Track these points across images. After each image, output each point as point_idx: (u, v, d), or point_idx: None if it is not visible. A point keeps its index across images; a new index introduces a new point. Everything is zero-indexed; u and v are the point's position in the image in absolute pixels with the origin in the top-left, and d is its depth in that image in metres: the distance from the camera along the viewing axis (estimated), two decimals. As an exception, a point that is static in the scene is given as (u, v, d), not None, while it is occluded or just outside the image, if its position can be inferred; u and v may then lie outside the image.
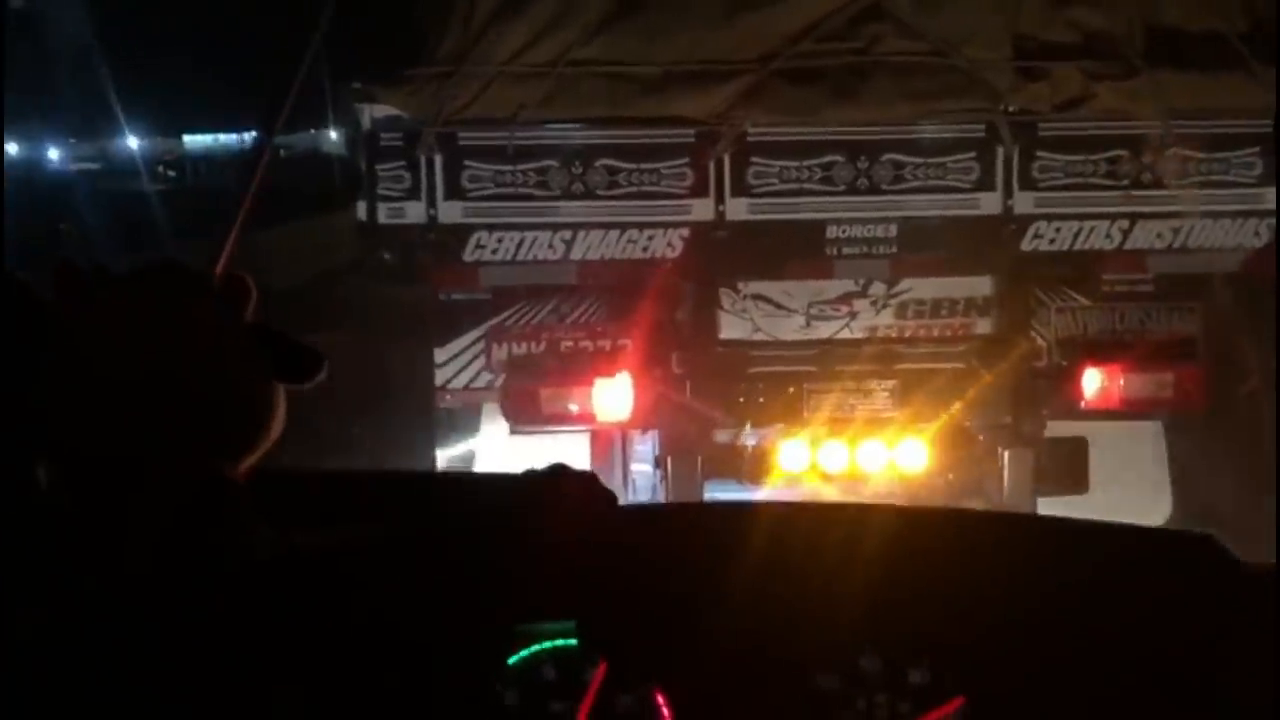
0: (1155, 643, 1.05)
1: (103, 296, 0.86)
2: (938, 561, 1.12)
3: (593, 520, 1.03)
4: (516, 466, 4.08)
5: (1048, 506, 4.28)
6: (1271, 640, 1.04)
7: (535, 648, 1.07)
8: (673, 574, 1.07)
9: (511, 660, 1.06)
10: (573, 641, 1.06)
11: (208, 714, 0.82)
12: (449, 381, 4.29)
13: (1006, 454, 4.04)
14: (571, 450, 4.45)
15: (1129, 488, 4.47)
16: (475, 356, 4.24)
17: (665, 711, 1.06)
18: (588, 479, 1.05)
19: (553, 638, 1.05)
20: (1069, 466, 4.33)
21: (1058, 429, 4.30)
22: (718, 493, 4.39)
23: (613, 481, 4.67)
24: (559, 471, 1.05)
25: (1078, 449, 4.39)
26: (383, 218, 3.88)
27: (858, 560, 1.10)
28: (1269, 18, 3.84)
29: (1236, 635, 1.06)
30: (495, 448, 4.56)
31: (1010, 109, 3.83)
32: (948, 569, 1.10)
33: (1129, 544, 1.19)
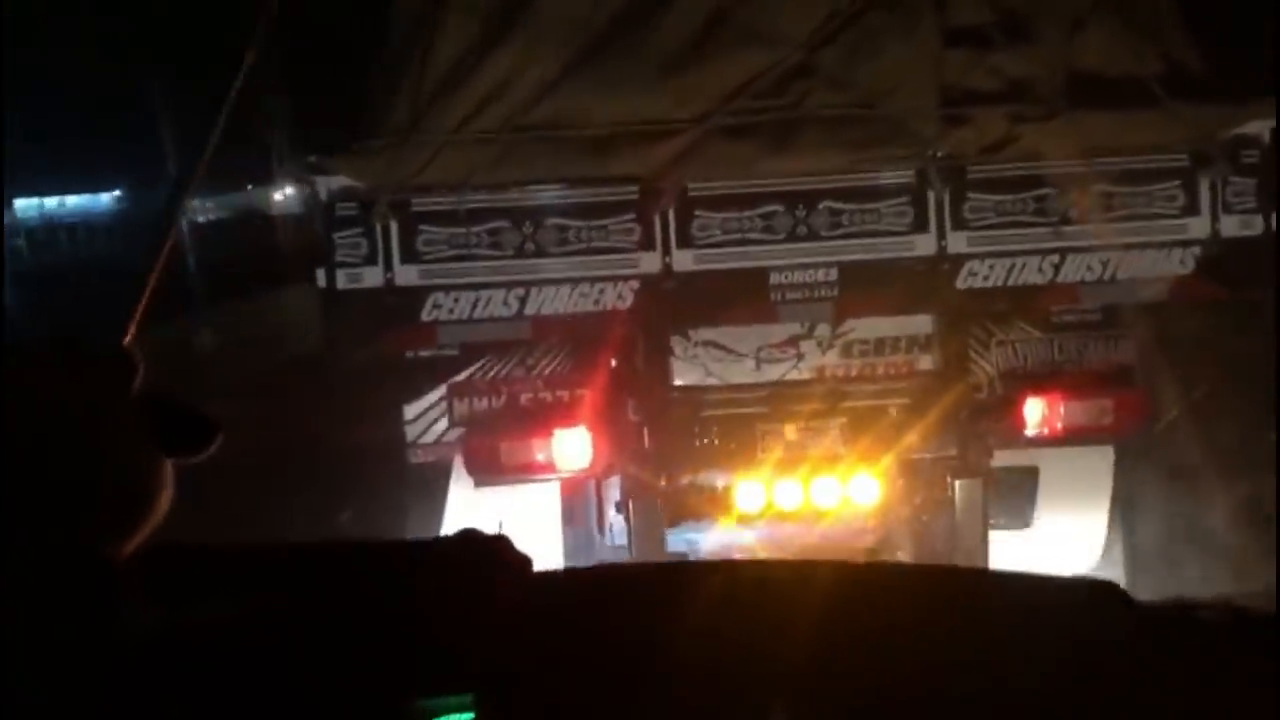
0: (1065, 692, 1.03)
1: None
2: (854, 615, 1.09)
3: (497, 588, 1.00)
4: (486, 518, 4.21)
5: (1001, 536, 4.41)
6: (1173, 683, 1.04)
7: None
8: (582, 642, 1.03)
9: None
10: (469, 716, 1.02)
11: None
12: (419, 437, 4.41)
13: (956, 484, 4.18)
14: (542, 499, 4.58)
15: (1081, 515, 4.60)
16: (441, 413, 4.36)
17: None
18: (500, 543, 1.03)
19: (447, 712, 1.01)
20: (1015, 499, 4.46)
21: (1011, 460, 4.43)
22: (683, 534, 4.51)
23: (588, 528, 4.79)
24: (468, 537, 1.03)
25: (1027, 479, 4.53)
26: (342, 284, 4.02)
27: (772, 620, 1.07)
28: (1183, 60, 4.03)
29: (1138, 680, 1.05)
30: (466, 501, 4.67)
31: (938, 154, 3.99)
32: (861, 624, 1.08)
33: (1035, 594, 1.19)
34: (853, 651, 1.05)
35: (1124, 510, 4.59)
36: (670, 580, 1.18)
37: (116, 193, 30.97)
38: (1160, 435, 4.31)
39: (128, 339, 0.91)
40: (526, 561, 1.02)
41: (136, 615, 0.84)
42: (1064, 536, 4.56)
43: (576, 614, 1.06)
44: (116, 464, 0.84)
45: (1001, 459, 4.36)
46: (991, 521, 4.30)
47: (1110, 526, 4.61)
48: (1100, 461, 4.57)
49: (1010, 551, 4.47)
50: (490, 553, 1.01)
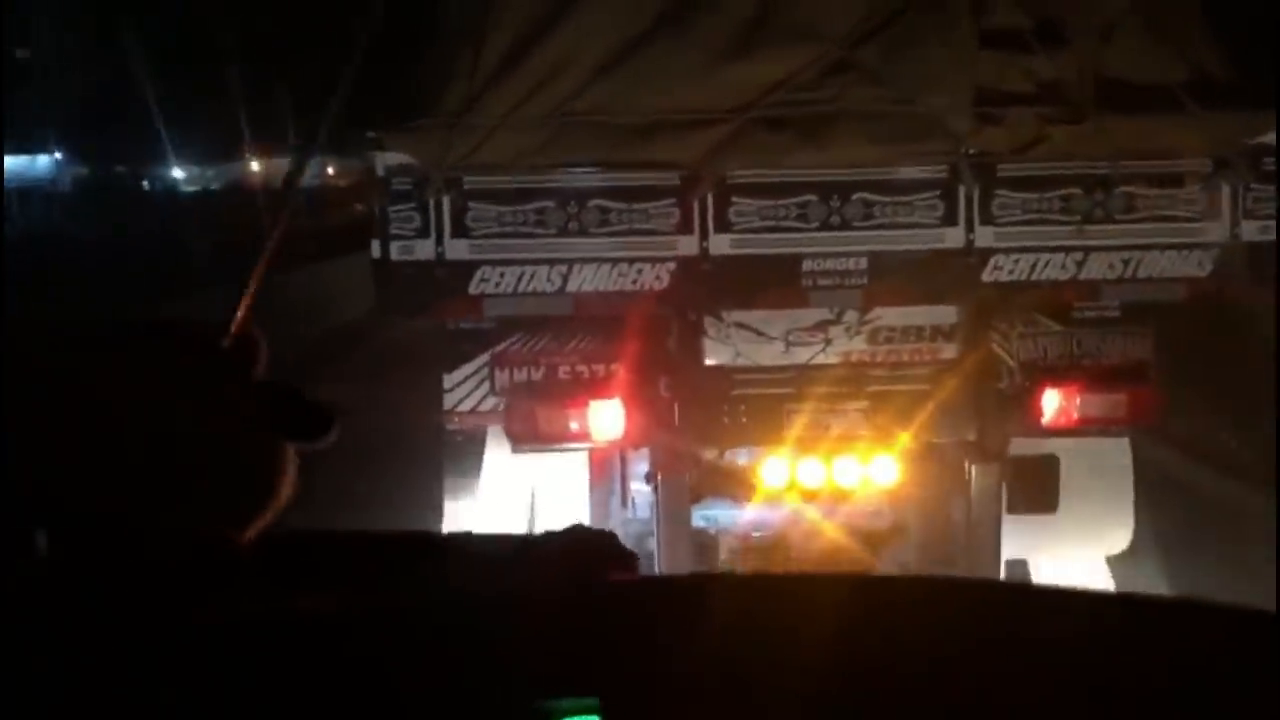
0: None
1: (106, 358, 0.83)
2: (970, 635, 1.03)
3: (613, 588, 0.97)
4: (519, 485, 4.43)
5: (1019, 524, 4.59)
6: None
7: None
8: (700, 648, 0.99)
9: None
10: (595, 718, 0.98)
11: None
12: (457, 405, 4.61)
13: (973, 469, 4.35)
14: (571, 470, 4.78)
15: (1097, 505, 4.77)
16: (480, 382, 4.57)
17: None
18: (607, 539, 1.01)
19: (573, 715, 0.97)
20: (1039, 485, 4.64)
21: (1031, 449, 4.60)
22: (706, 511, 4.71)
23: (612, 501, 5.00)
24: (579, 534, 1.02)
25: (1048, 467, 4.70)
26: (395, 255, 4.22)
27: (886, 637, 1.02)
28: (1208, 69, 4.17)
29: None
30: (499, 468, 4.88)
31: (970, 151, 4.15)
32: (978, 645, 1.01)
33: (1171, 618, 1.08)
34: (975, 673, 0.97)
35: (1146, 497, 4.76)
36: (779, 592, 1.13)
37: (56, 155, 28.02)
38: (1175, 427, 4.47)
39: (238, 323, 0.90)
40: (634, 560, 1.01)
41: (258, 601, 0.85)
42: (1093, 521, 4.73)
43: (691, 620, 1.02)
44: (241, 450, 0.85)
45: (1020, 448, 4.53)
46: (1016, 507, 4.47)
47: (1135, 515, 4.78)
48: (1117, 450, 4.73)
49: (1038, 536, 4.65)
50: (604, 550, 0.99)
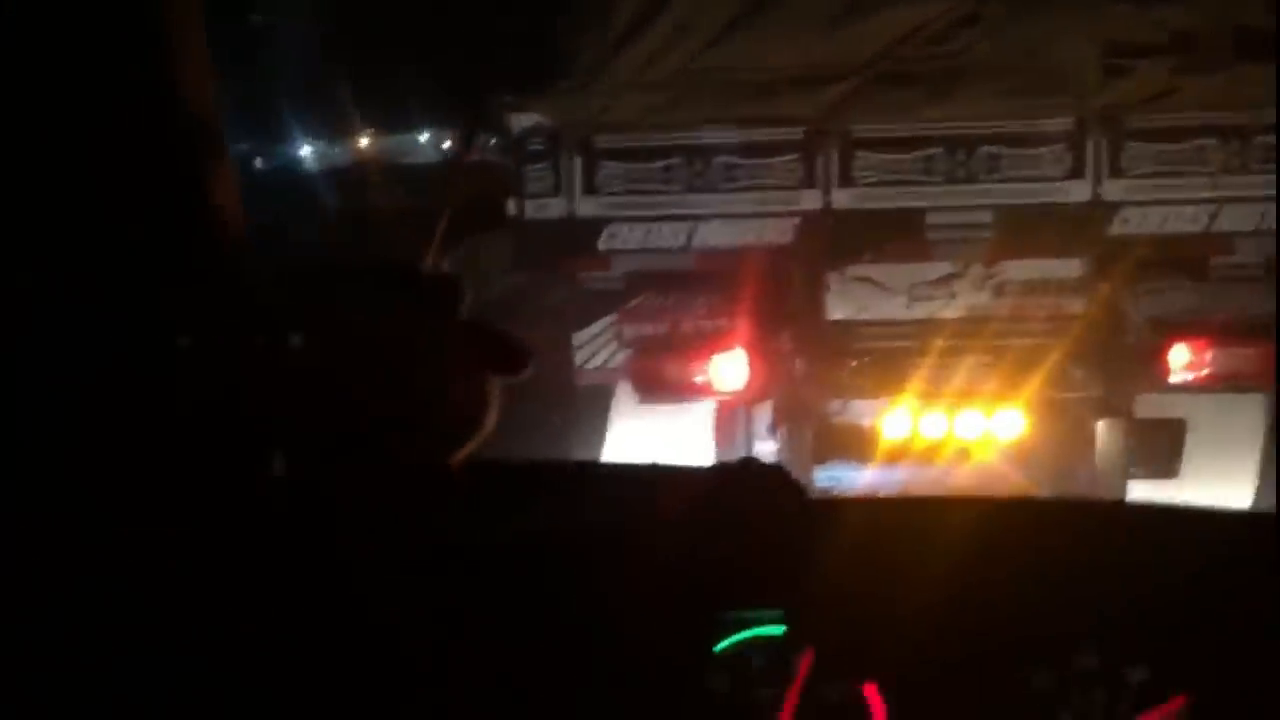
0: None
1: (337, 297, 0.91)
2: (1150, 559, 1.08)
3: (790, 510, 1.05)
4: (646, 439, 4.58)
5: (1139, 487, 4.53)
6: None
7: (742, 635, 1.06)
8: (876, 566, 1.05)
9: (718, 647, 1.05)
10: (779, 630, 1.05)
11: (454, 686, 0.87)
12: (586, 362, 4.78)
13: (1099, 424, 4.33)
14: (697, 423, 4.90)
15: (1230, 465, 4.67)
16: (609, 340, 4.73)
17: (877, 704, 1.04)
18: (778, 471, 1.08)
19: (759, 625, 1.05)
20: (1163, 450, 4.56)
21: (1163, 409, 4.53)
22: (831, 471, 4.77)
23: (737, 455, 5.10)
24: (751, 464, 1.08)
25: (1174, 432, 4.62)
26: (529, 213, 4.40)
27: (1069, 556, 1.08)
28: None
29: None
30: (627, 421, 5.03)
31: (1099, 104, 4.12)
32: (1160, 566, 1.07)
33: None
34: (1154, 596, 1.06)
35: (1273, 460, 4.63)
36: (947, 512, 1.21)
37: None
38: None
39: (432, 260, 1.01)
40: (802, 489, 1.07)
41: (469, 523, 0.92)
42: (1211, 486, 4.64)
43: (865, 539, 1.08)
44: (455, 382, 0.91)
45: (1150, 410, 4.47)
46: (1136, 470, 4.43)
47: (1262, 475, 4.66)
48: (1253, 410, 4.62)
49: (1155, 499, 4.59)
50: (778, 478, 1.06)
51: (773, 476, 1.06)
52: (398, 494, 0.89)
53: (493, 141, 4.27)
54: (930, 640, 1.03)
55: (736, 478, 1.06)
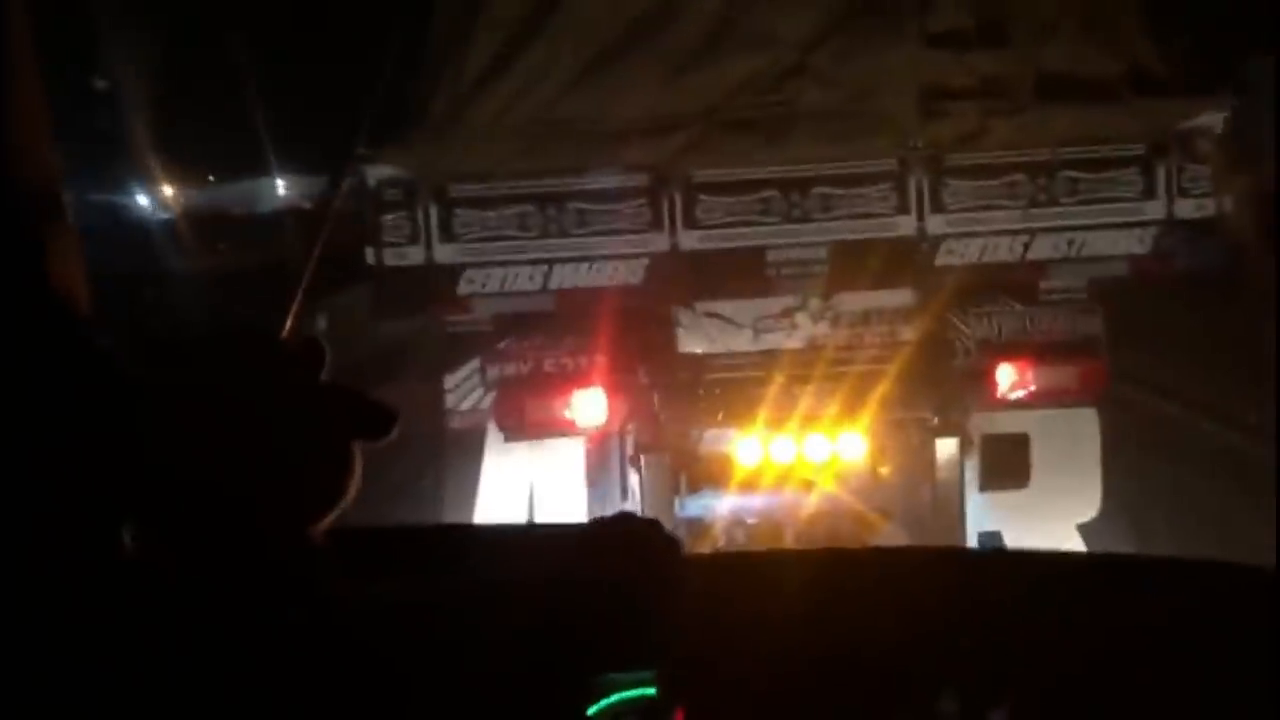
0: (1226, 672, 1.07)
1: (191, 365, 0.88)
2: (1009, 604, 1.11)
3: (662, 568, 1.03)
4: (518, 478, 4.73)
5: (993, 499, 4.84)
6: None
7: (614, 698, 1.05)
8: (746, 623, 1.07)
9: (592, 710, 1.05)
10: (651, 691, 1.05)
11: None
12: (458, 405, 4.93)
13: (936, 443, 4.63)
14: (568, 461, 5.07)
15: (1076, 474, 5.01)
16: (478, 383, 4.88)
17: None
18: (652, 526, 1.06)
19: (631, 687, 1.04)
20: (1011, 462, 4.90)
21: (1006, 427, 4.86)
22: (699, 500, 4.96)
23: (609, 489, 5.28)
24: (629, 520, 1.08)
25: (1019, 445, 4.96)
26: (388, 261, 4.54)
27: (931, 604, 1.11)
28: (1143, 60, 4.47)
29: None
30: (499, 462, 5.17)
31: (918, 145, 4.44)
32: (1020, 611, 1.10)
33: (1181, 578, 1.22)
34: (1013, 640, 1.08)
35: (1113, 467, 5.00)
36: (814, 566, 1.22)
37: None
38: (1133, 398, 4.72)
39: (287, 330, 0.97)
40: (678, 543, 1.07)
41: (336, 588, 0.91)
42: (1059, 494, 4.97)
43: (735, 596, 1.09)
44: (316, 447, 0.89)
45: (994, 427, 4.79)
46: (989, 483, 4.73)
47: (1104, 483, 5.02)
48: (1088, 423, 4.98)
49: (1012, 510, 4.90)
50: (651, 535, 1.05)
51: (648, 533, 1.06)
52: (255, 566, 0.87)
53: (344, 190, 4.40)
54: (797, 693, 1.06)
55: (611, 536, 1.05)
